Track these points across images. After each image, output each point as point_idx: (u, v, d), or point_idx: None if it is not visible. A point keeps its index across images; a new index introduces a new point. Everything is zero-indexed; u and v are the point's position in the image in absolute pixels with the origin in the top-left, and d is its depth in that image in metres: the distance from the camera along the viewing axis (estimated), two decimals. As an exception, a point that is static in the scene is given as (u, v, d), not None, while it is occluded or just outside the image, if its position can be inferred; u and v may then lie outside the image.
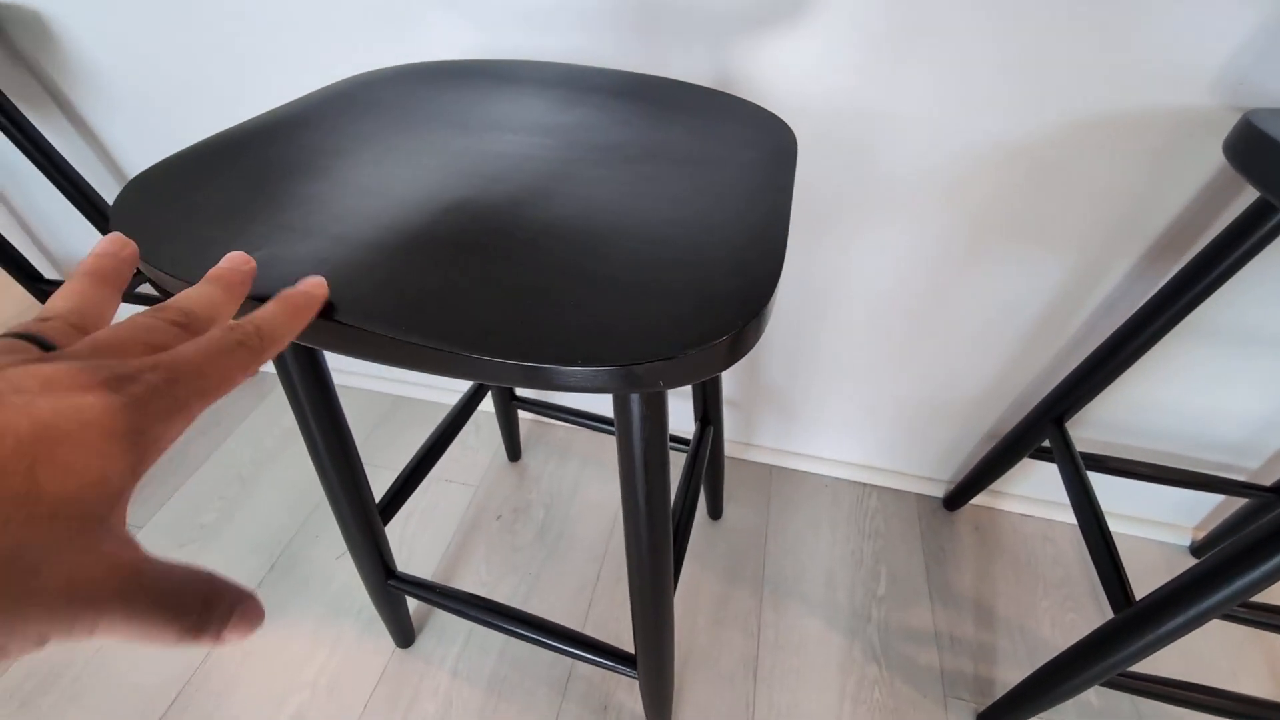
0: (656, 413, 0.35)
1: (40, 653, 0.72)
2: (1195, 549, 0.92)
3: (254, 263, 0.25)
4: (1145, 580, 0.87)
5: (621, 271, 0.30)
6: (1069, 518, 0.95)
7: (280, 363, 0.44)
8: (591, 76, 0.51)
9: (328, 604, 0.83)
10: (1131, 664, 0.56)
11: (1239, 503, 0.86)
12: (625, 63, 0.62)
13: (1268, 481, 0.80)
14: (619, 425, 0.36)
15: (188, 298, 0.21)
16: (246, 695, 0.74)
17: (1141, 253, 0.65)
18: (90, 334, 0.18)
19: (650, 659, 0.55)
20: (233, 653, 0.78)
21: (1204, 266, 0.56)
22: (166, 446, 0.17)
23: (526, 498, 0.97)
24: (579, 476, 1.00)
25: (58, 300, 0.19)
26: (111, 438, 0.14)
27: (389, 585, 0.65)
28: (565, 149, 0.41)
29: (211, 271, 0.23)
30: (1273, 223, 0.49)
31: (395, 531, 0.92)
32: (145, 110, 0.80)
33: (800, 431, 0.98)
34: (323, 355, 0.46)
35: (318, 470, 0.52)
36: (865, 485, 1.00)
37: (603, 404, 0.97)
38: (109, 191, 0.92)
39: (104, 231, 0.87)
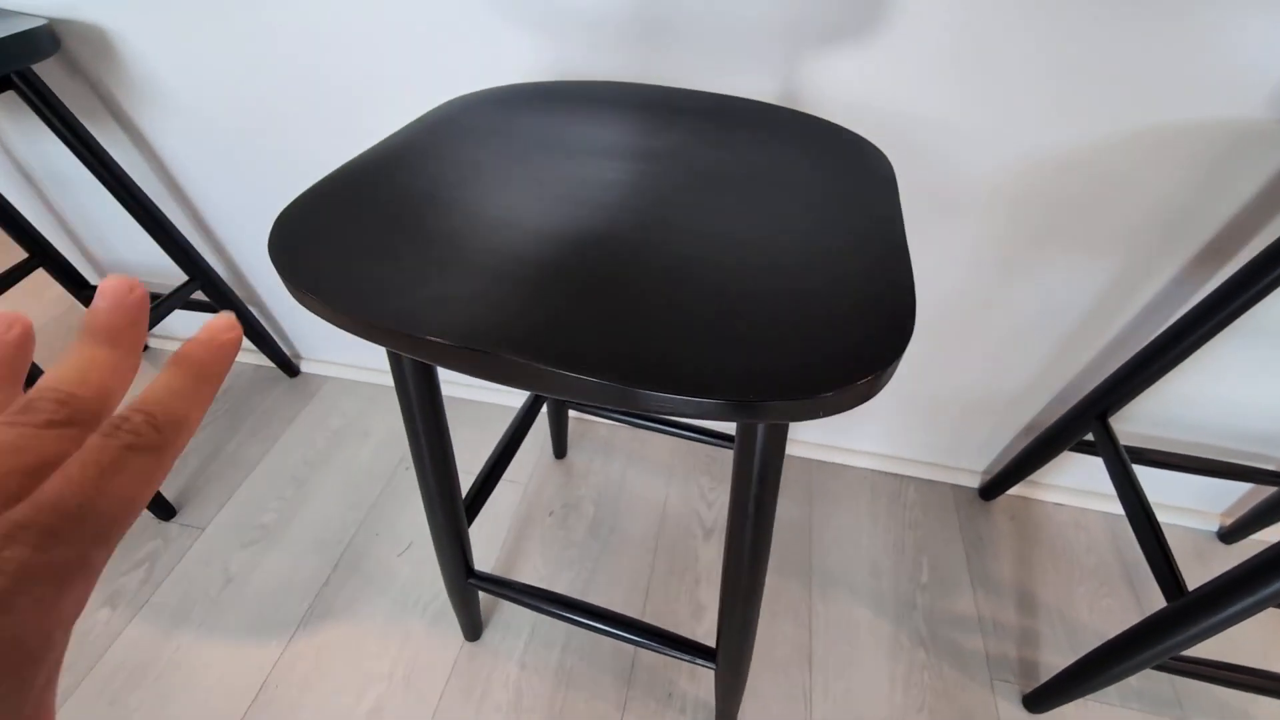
0: (779, 439, 0.38)
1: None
2: (1223, 534, 0.95)
3: (143, 289, 0.16)
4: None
5: (754, 305, 0.32)
6: (1100, 506, 0.99)
7: (399, 374, 0.46)
8: (677, 99, 0.53)
9: (394, 599, 0.86)
10: (1184, 649, 0.60)
11: (1267, 491, 0.89)
12: (693, 80, 0.64)
13: (1298, 471, 0.83)
14: (740, 445, 0.39)
15: (61, 376, 0.14)
16: (327, 688, 0.77)
17: (1189, 258, 0.67)
18: None
19: (732, 652, 0.58)
20: (309, 648, 0.81)
21: (1257, 272, 0.58)
22: (67, 633, 0.12)
23: (576, 494, 1.00)
24: (624, 473, 1.03)
25: None
26: None
27: (469, 583, 0.68)
28: (671, 175, 0.43)
29: (87, 317, 0.16)
30: (1332, 235, 0.52)
31: (452, 529, 0.95)
32: (205, 125, 0.81)
33: (839, 426, 1.01)
34: (436, 370, 0.48)
35: (419, 476, 0.55)
36: (903, 477, 1.03)
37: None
38: (162, 201, 0.94)
39: (162, 243, 0.89)
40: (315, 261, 0.35)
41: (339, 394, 1.16)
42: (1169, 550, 0.64)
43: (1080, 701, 0.78)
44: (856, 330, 0.31)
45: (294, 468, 1.03)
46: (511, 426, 0.75)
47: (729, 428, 1.04)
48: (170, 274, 1.08)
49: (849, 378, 0.29)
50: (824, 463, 1.05)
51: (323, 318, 0.34)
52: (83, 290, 1.09)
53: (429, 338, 0.30)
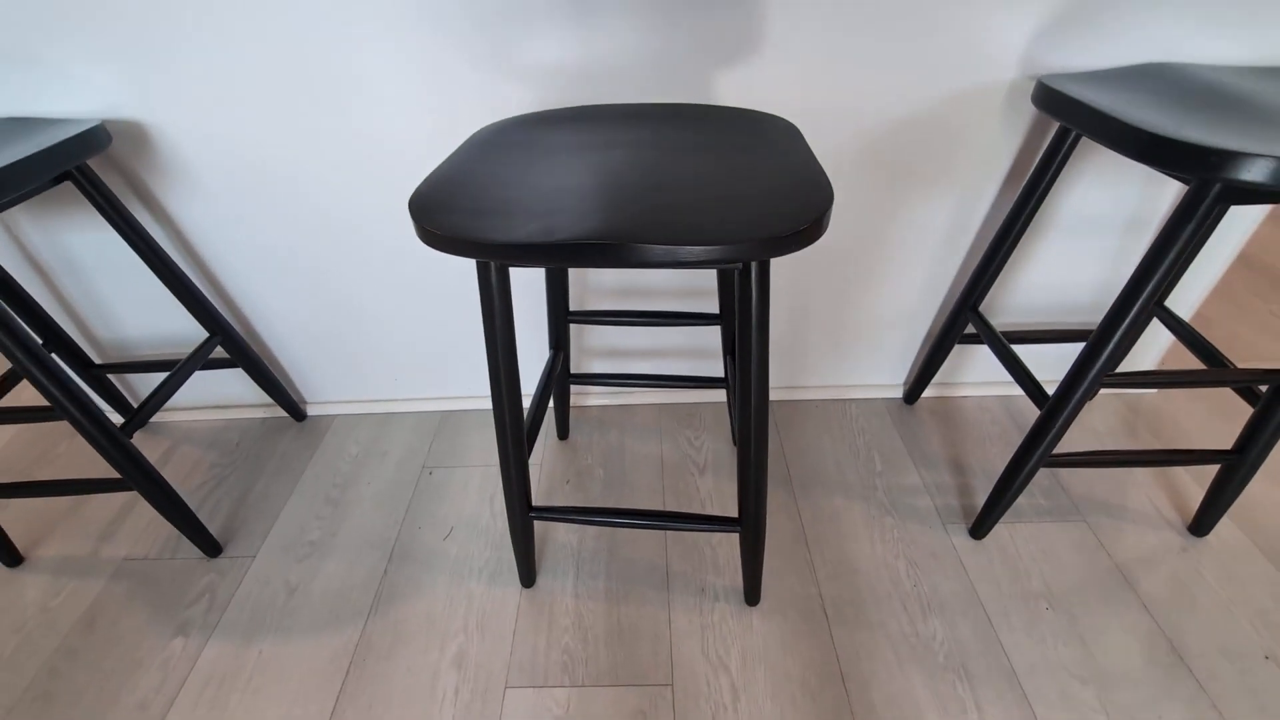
0: (765, 275, 0.58)
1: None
2: (1083, 394, 1.24)
3: None
4: (1056, 422, 1.18)
5: (736, 200, 0.53)
6: (993, 391, 1.26)
7: (486, 283, 0.61)
8: (640, 109, 0.75)
9: (451, 573, 0.98)
10: (1058, 441, 0.84)
11: (1102, 352, 1.19)
12: (644, 97, 0.86)
13: (1114, 328, 1.12)
14: (740, 295, 0.58)
15: None
16: (411, 650, 0.88)
17: (1001, 180, 0.96)
18: None
19: (751, 501, 0.76)
20: (385, 624, 0.91)
21: (1038, 177, 0.86)
22: None
23: (585, 463, 1.16)
24: (621, 440, 1.20)
25: None
26: None
27: (530, 516, 0.83)
28: (652, 150, 0.64)
29: None
30: (1070, 140, 0.80)
31: (485, 505, 1.08)
32: (224, 194, 0.96)
33: (787, 370, 1.23)
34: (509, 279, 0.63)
35: (494, 398, 0.70)
36: (844, 400, 1.27)
37: (646, 365, 1.19)
38: (193, 275, 1.05)
39: (188, 305, 1.00)
40: (447, 219, 0.53)
41: (349, 427, 1.27)
42: (1034, 378, 0.89)
43: (1009, 524, 1.01)
44: (802, 200, 0.52)
45: (325, 491, 1.13)
46: (532, 406, 0.91)
47: (708, 369, 1.23)
48: (176, 342, 1.18)
49: (804, 223, 0.50)
50: (782, 401, 1.27)
51: (454, 252, 0.51)
52: (87, 370, 1.16)
53: (538, 242, 0.49)
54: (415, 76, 0.84)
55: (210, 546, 1.02)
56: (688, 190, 0.55)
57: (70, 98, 0.84)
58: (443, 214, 0.54)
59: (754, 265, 0.57)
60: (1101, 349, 0.76)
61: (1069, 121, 0.74)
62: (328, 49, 0.81)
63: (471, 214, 0.53)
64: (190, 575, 1.00)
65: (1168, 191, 0.97)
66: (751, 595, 0.91)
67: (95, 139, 0.81)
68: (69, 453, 1.25)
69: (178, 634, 0.92)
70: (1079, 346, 1.20)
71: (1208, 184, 0.63)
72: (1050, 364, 1.23)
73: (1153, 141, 0.61)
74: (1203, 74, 0.77)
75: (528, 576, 0.94)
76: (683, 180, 0.57)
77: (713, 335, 1.19)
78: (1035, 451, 0.86)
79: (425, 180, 0.59)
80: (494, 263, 0.60)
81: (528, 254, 0.50)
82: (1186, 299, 1.11)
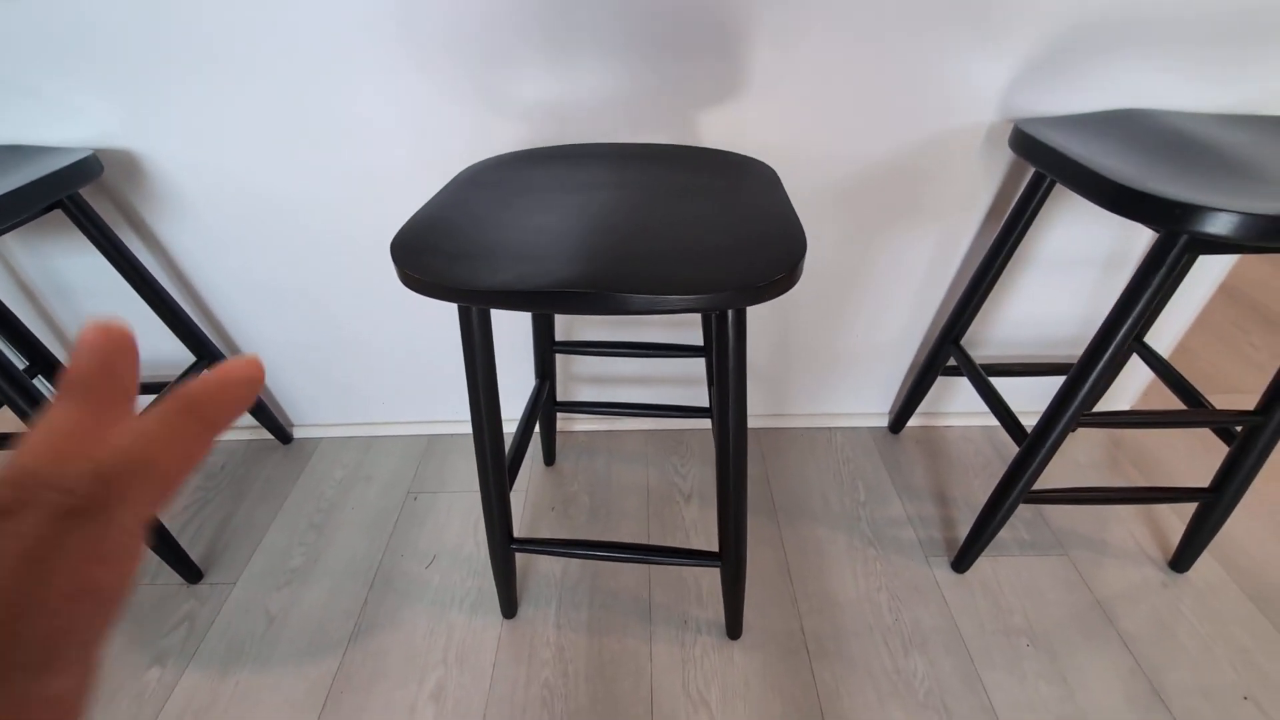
0: (742, 323, 0.58)
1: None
2: (1066, 425, 1.25)
3: (122, 331, 0.17)
4: (1039, 454, 1.19)
5: (717, 248, 0.54)
6: (977, 422, 1.27)
7: (468, 326, 0.62)
8: (626, 149, 0.76)
9: (432, 602, 0.97)
10: (1037, 477, 0.84)
11: (1084, 384, 1.20)
12: (630, 136, 0.88)
13: (1096, 361, 1.14)
14: (718, 339, 0.59)
15: (23, 449, 0.14)
16: (390, 683, 0.87)
17: (981, 218, 0.97)
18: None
19: (731, 537, 0.76)
20: (364, 655, 0.90)
21: (1015, 217, 0.88)
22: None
23: (570, 490, 1.16)
24: (608, 467, 1.20)
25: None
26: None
27: (511, 548, 0.83)
28: (639, 192, 0.65)
29: (63, 371, 0.16)
30: (1045, 184, 0.82)
31: (469, 533, 1.08)
32: (214, 218, 0.96)
33: (773, 398, 1.24)
34: (491, 321, 0.65)
35: (475, 434, 0.71)
36: (829, 429, 1.27)
37: (634, 391, 1.19)
38: (181, 299, 1.06)
39: (176, 330, 1.01)
40: (428, 261, 0.54)
41: (335, 450, 1.26)
42: (1012, 413, 0.90)
43: (992, 558, 1.01)
44: (779, 250, 0.53)
45: (309, 516, 1.12)
46: (515, 436, 0.92)
47: (696, 397, 1.24)
48: (163, 365, 1.18)
49: (780, 273, 0.51)
50: (768, 429, 1.27)
51: (435, 296, 0.52)
52: (74, 393, 1.15)
53: (517, 289, 0.50)
54: (406, 112, 0.85)
55: (191, 573, 1.01)
56: (667, 237, 0.56)
57: (64, 126, 0.85)
58: (423, 257, 0.54)
59: (730, 312, 0.58)
60: (1078, 389, 0.77)
61: (1043, 167, 0.76)
62: (319, 85, 0.83)
63: (452, 258, 0.54)
64: (169, 602, 0.99)
65: (1144, 230, 0.98)
66: (733, 629, 0.90)
67: (87, 169, 0.82)
68: (52, 474, 1.24)
69: (154, 663, 0.91)
70: (1060, 380, 1.21)
71: (1175, 235, 0.64)
72: (1035, 395, 1.24)
73: (1120, 193, 0.62)
74: (1174, 121, 0.79)
75: (509, 607, 0.94)
76: (663, 226, 0.58)
77: (700, 363, 1.20)
78: (1014, 488, 0.86)
79: (408, 222, 0.59)
80: (474, 307, 0.60)
81: (507, 300, 0.51)
82: (1166, 334, 1.12)
